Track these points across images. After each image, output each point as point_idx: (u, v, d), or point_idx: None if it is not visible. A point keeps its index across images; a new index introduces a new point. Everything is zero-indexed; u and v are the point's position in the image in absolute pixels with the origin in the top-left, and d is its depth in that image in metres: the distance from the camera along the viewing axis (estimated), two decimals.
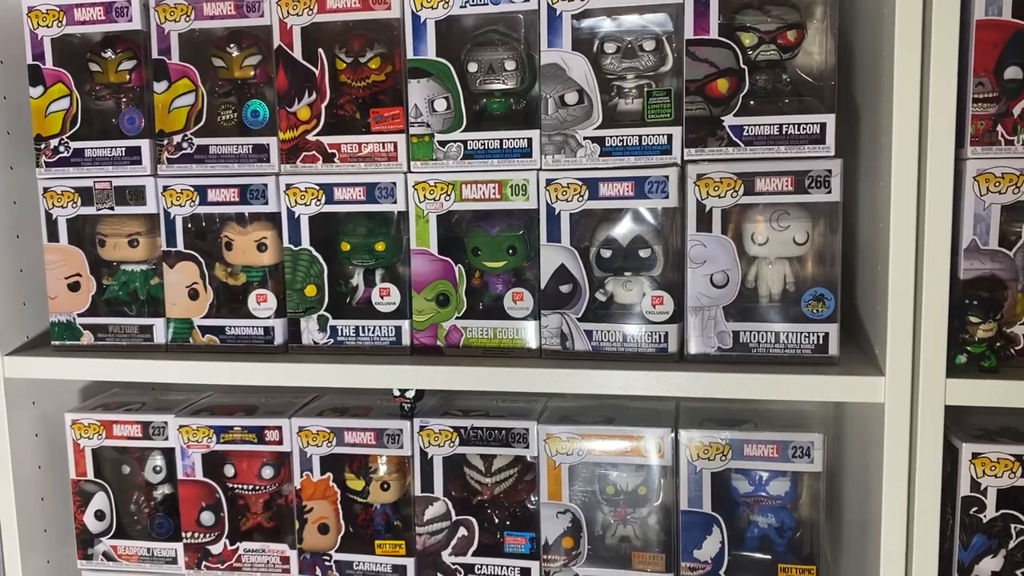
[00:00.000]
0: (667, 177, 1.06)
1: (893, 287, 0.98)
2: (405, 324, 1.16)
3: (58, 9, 1.19)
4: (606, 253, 1.11)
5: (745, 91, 1.04)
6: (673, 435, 1.12)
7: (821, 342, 1.05)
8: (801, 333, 1.05)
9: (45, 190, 1.22)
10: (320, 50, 1.15)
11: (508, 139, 1.10)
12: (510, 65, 1.12)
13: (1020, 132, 0.97)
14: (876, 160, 1.04)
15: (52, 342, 1.26)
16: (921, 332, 0.97)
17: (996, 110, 0.97)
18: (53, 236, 1.24)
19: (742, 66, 1.04)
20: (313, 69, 1.15)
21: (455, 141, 1.12)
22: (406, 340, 1.17)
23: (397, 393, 1.19)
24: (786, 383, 1.02)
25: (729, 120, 1.04)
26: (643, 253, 1.10)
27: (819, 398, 1.02)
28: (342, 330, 1.18)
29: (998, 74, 0.96)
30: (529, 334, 1.13)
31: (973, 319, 0.98)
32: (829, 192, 1.03)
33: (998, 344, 0.99)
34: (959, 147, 0.96)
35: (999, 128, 0.97)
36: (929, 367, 0.97)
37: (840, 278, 1.05)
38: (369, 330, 1.17)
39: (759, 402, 1.19)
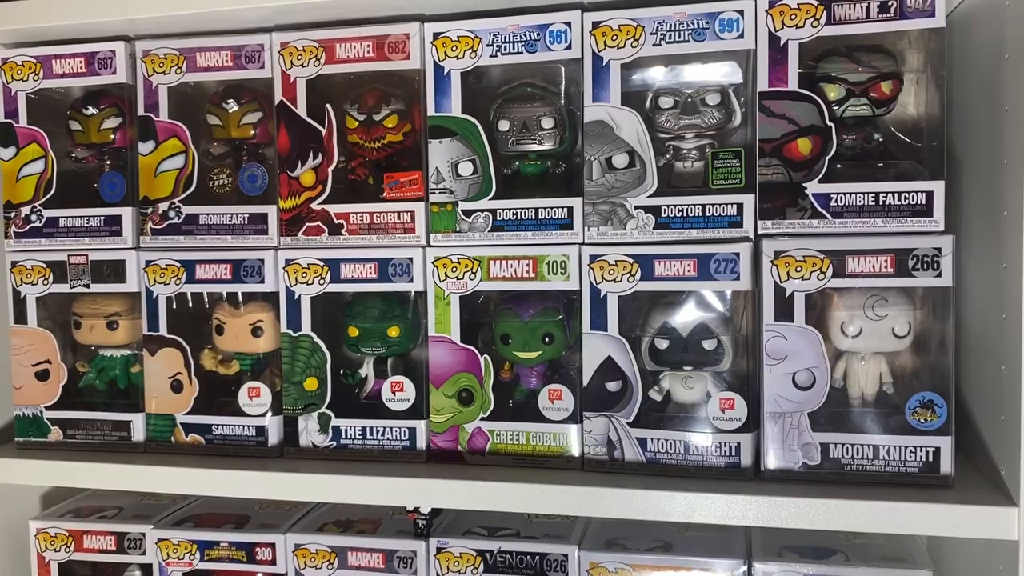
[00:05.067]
0: (737, 255, 0.88)
1: None
2: (421, 425, 0.99)
3: (35, 61, 1.05)
4: (662, 344, 0.93)
5: (832, 153, 0.87)
6: (745, 567, 0.92)
7: (931, 459, 0.85)
8: (906, 448, 0.86)
9: (13, 264, 1.08)
10: (328, 106, 1.00)
11: (545, 208, 0.94)
12: (547, 123, 0.96)
13: None
14: (993, 237, 0.85)
15: (16, 438, 1.10)
16: None
17: None
18: (21, 317, 1.09)
19: (828, 123, 0.87)
20: (320, 128, 1.00)
21: (482, 210, 0.96)
22: (422, 444, 0.99)
23: (411, 507, 1.00)
24: (893, 513, 0.82)
25: (813, 187, 0.87)
26: (707, 345, 0.92)
27: (934, 532, 0.82)
28: (346, 431, 1.00)
29: None
30: (569, 440, 0.95)
31: None
32: (939, 275, 0.84)
33: None
34: None
35: None
36: None
37: (954, 380, 0.86)
38: (378, 432, 0.99)
39: None
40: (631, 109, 0.92)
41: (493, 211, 0.96)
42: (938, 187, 0.85)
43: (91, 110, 1.06)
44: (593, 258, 0.93)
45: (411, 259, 0.98)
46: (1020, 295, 0.79)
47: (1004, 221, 0.83)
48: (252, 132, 1.04)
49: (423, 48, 0.97)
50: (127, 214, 1.04)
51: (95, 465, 1.04)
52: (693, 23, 0.89)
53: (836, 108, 0.89)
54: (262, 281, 1.01)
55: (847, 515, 0.83)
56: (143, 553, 1.09)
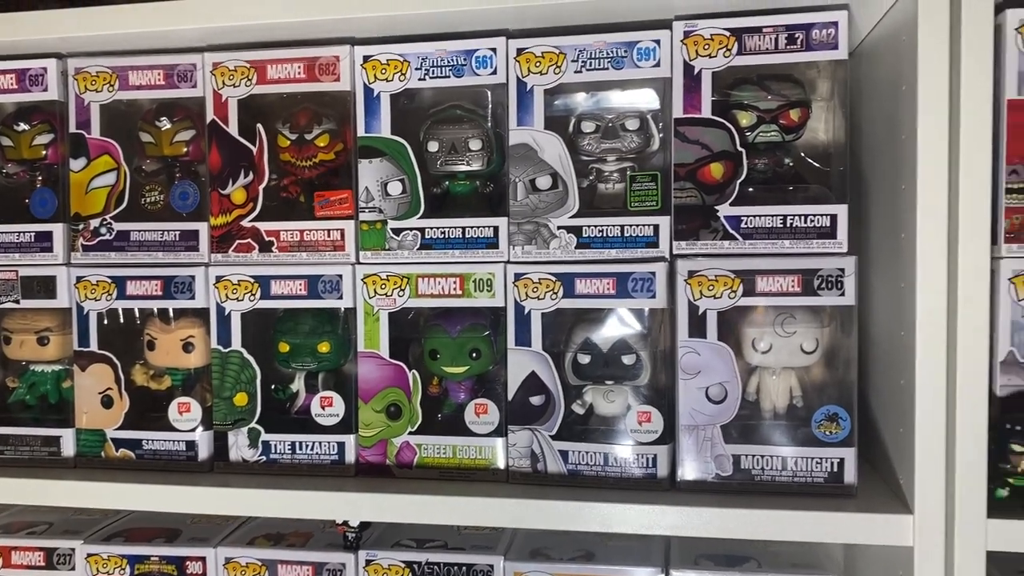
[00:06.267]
0: (654, 274, 0.92)
1: (921, 408, 0.83)
2: (350, 439, 1.00)
3: None
4: (584, 359, 0.96)
5: (743, 177, 0.91)
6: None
7: (835, 469, 0.89)
8: (812, 459, 0.90)
9: None
10: (259, 125, 1.02)
11: (472, 227, 0.97)
12: (475, 144, 0.99)
13: None
14: (895, 257, 0.90)
15: None
16: (956, 461, 0.81)
17: None
18: None
19: (739, 149, 0.91)
20: (250, 146, 1.01)
21: (411, 229, 0.98)
22: (351, 458, 1.00)
23: (340, 521, 1.01)
24: (798, 521, 0.85)
25: (725, 210, 0.91)
26: (627, 360, 0.95)
27: (836, 539, 0.86)
28: (276, 446, 1.01)
29: None
30: (494, 453, 0.97)
31: (1016, 447, 0.83)
32: (842, 294, 0.88)
33: None
34: (991, 244, 0.83)
35: None
36: (966, 505, 0.81)
37: (856, 394, 0.90)
38: (307, 446, 1.01)
39: None
40: (554, 133, 0.95)
41: (421, 230, 0.98)
42: (842, 211, 0.89)
43: (22, 126, 1.06)
44: (518, 276, 0.95)
45: (341, 276, 0.99)
46: (914, 313, 0.83)
47: (902, 243, 0.87)
48: (185, 150, 1.05)
49: (353, 70, 0.99)
50: (58, 230, 1.05)
51: (24, 481, 1.03)
52: (612, 51, 0.93)
53: (748, 134, 0.92)
54: (193, 297, 1.02)
55: (755, 524, 0.86)
56: (72, 568, 1.09)
